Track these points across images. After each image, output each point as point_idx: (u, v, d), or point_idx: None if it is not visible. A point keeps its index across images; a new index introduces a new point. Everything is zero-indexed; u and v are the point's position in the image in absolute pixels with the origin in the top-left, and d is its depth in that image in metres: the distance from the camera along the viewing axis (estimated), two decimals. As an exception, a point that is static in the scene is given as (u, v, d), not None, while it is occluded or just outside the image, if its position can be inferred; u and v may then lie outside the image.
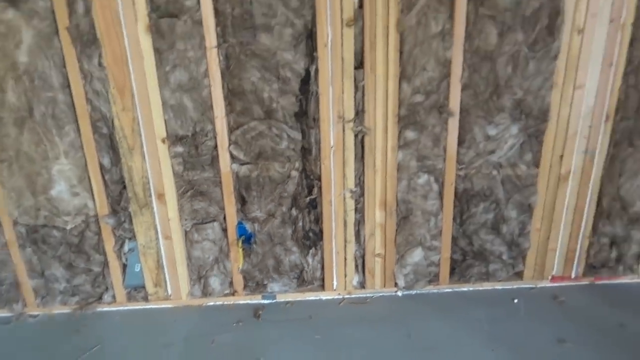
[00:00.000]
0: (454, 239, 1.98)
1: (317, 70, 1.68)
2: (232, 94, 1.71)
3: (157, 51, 1.62)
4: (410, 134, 1.79)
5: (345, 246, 1.92)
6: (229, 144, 1.76)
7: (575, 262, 2.04)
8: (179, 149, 1.76)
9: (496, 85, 1.74)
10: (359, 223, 1.92)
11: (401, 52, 1.68)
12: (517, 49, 1.69)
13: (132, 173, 1.77)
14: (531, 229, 1.97)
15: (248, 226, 1.90)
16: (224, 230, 1.89)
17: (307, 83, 1.71)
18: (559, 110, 1.78)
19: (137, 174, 1.77)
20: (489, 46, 1.68)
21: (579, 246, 2.01)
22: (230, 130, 1.76)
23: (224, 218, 1.87)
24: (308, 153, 1.80)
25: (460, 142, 1.82)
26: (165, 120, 1.71)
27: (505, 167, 1.87)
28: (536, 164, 1.87)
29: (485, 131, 1.81)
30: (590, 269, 2.06)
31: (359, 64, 1.69)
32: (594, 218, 1.98)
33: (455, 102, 1.74)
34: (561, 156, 1.85)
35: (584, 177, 1.89)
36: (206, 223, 1.88)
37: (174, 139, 1.74)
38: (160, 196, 1.81)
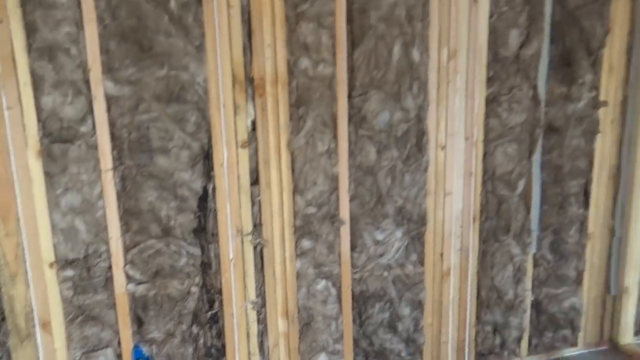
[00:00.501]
0: (355, 341, 2.02)
1: (214, 188, 1.73)
2: (128, 214, 1.68)
3: (48, 175, 1.57)
4: (306, 243, 1.87)
5: (249, 359, 1.87)
6: (125, 264, 1.70)
7: (466, 351, 2.16)
8: (69, 272, 1.65)
9: (379, 195, 1.91)
10: (262, 334, 1.89)
11: (293, 169, 1.79)
12: (394, 164, 1.89)
13: (13, 303, 1.61)
14: (424, 324, 2.07)
15: (145, 349, 1.78)
16: (119, 356, 1.75)
17: (205, 200, 1.74)
18: (434, 214, 1.98)
19: (20, 303, 1.61)
20: (370, 162, 1.87)
21: (467, 336, 2.14)
22: (126, 249, 1.70)
23: (119, 343, 1.74)
24: (208, 267, 1.79)
25: (353, 248, 1.93)
26: (54, 244, 1.62)
27: (395, 267, 2.00)
28: (421, 262, 2.02)
29: (374, 236, 1.94)
30: (480, 356, 2.19)
31: (255, 181, 1.77)
32: (477, 308, 2.14)
33: (345, 212, 1.87)
34: (441, 254, 2.03)
35: (463, 272, 2.08)
36: (98, 350, 1.73)
37: (63, 262, 1.64)
38: (46, 325, 1.65)
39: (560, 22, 1.95)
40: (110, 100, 1.58)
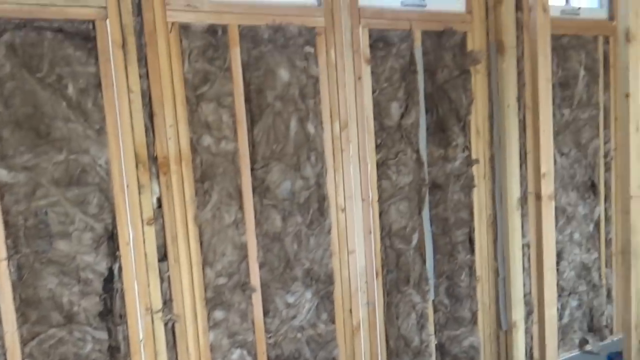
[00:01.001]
0: (275, 407, 2.00)
1: (120, 268, 1.68)
2: (25, 304, 1.57)
3: None
4: (218, 314, 1.85)
5: None
6: (23, 359, 1.57)
7: (382, 402, 2.22)
8: (-44, 376, 1.49)
9: (287, 260, 1.96)
10: (178, 414, 1.81)
11: (201, 242, 1.80)
12: (299, 229, 1.97)
13: None
14: (340, 381, 2.11)
15: None
16: None
17: (110, 281, 1.68)
18: (340, 273, 2.07)
19: None
20: (276, 229, 1.93)
21: (381, 387, 2.21)
22: (24, 342, 1.58)
23: None
24: (116, 351, 1.70)
25: (265, 313, 1.94)
26: (-62, 347, 1.46)
27: (307, 328, 2.04)
28: (332, 320, 2.08)
29: (285, 300, 1.98)
30: (394, 406, 2.26)
31: (163, 257, 1.76)
32: (387, 358, 2.23)
33: (255, 279, 1.90)
34: (350, 310, 2.11)
35: (371, 325, 2.16)
36: None
37: (-51, 366, 1.48)
38: None
39: (432, 94, 2.22)
40: (3, 188, 1.52)
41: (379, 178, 2.14)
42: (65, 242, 1.60)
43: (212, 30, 1.78)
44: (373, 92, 2.09)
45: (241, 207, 1.86)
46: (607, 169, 2.72)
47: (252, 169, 1.87)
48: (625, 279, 1.91)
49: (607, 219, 2.76)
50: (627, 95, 1.82)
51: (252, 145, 1.87)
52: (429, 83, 2.21)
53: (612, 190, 2.75)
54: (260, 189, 1.90)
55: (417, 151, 2.19)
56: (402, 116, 2.15)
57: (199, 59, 1.76)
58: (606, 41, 2.66)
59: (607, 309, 2.82)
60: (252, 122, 1.86)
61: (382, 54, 2.10)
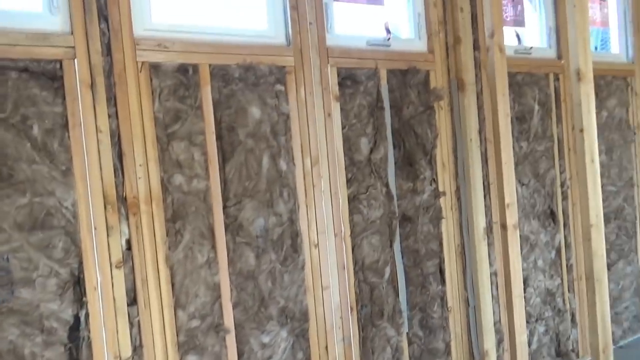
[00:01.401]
0: None
1: (87, 315, 1.58)
2: (-18, 359, 1.45)
3: None
4: (191, 359, 1.77)
5: None
6: (-23, 420, 1.44)
7: None
8: None
9: (262, 299, 1.91)
10: None
11: (173, 284, 1.73)
12: (273, 266, 1.93)
13: None
14: (317, 422, 2.03)
15: None
16: None
17: (77, 329, 1.58)
18: (315, 310, 2.03)
19: None
20: (250, 267, 1.88)
21: None
22: (-21, 401, 1.45)
23: None
24: (82, 405, 1.59)
25: (240, 355, 1.87)
26: None
27: (283, 368, 1.97)
28: (308, 358, 2.02)
29: (260, 340, 1.91)
30: None
31: (133, 301, 1.67)
32: (364, 395, 2.17)
33: (229, 320, 1.83)
34: (326, 347, 2.06)
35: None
36: None
37: None
38: None
39: (399, 130, 2.26)
40: (-39, 234, 1.42)
41: (351, 212, 2.14)
42: (28, 289, 1.50)
43: (182, 69, 1.76)
44: (343, 128, 2.11)
45: (214, 246, 1.81)
46: (564, 197, 2.83)
47: (225, 207, 1.83)
48: (591, 303, 1.96)
49: (567, 246, 2.85)
50: (581, 130, 1.92)
51: (225, 182, 1.84)
52: (395, 119, 2.26)
53: (570, 217, 2.85)
54: (233, 226, 1.86)
55: (387, 185, 2.21)
56: (372, 151, 2.18)
57: (170, 97, 1.74)
58: (556, 78, 2.81)
59: (572, 333, 2.87)
60: (224, 159, 1.84)
61: (351, 91, 2.14)
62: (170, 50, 1.73)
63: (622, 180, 3.16)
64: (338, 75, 2.10)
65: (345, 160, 2.12)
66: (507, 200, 2.27)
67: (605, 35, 3.32)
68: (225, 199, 1.83)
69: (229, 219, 1.85)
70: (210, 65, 1.81)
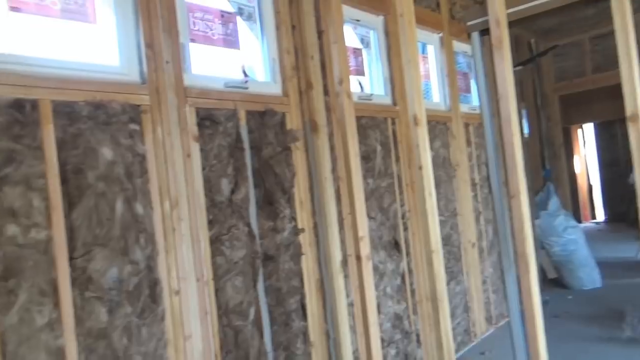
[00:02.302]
0: None
1: None
2: None
3: None
4: None
5: None
6: None
7: None
8: None
9: (116, 358, 1.72)
10: None
11: (4, 354, 1.46)
12: (129, 320, 1.76)
13: None
14: None
15: None
16: None
17: None
18: (177, 363, 1.90)
19: None
20: (101, 324, 1.69)
21: None
22: None
23: None
24: None
25: None
26: None
27: None
28: (169, 418, 1.86)
29: (114, 406, 1.70)
30: None
31: (-53, 382, 1.36)
32: None
33: (76, 388, 1.60)
34: (189, 402, 1.92)
35: (213, 414, 2.00)
36: None
37: None
38: None
39: (259, 170, 2.30)
40: None
41: (213, 255, 2.08)
42: None
43: (18, 105, 1.56)
44: (203, 169, 2.06)
45: (57, 305, 1.58)
46: (405, 228, 3.14)
47: (71, 258, 1.63)
48: (435, 321, 2.19)
49: (410, 272, 3.15)
50: (420, 168, 2.18)
51: (71, 231, 1.64)
52: (256, 159, 2.29)
53: (411, 246, 3.17)
54: (81, 280, 1.65)
55: (249, 225, 2.21)
56: (233, 191, 2.16)
57: (2, 137, 1.51)
58: (393, 122, 3.15)
59: (417, 353, 3.14)
60: (70, 205, 1.64)
61: (210, 132, 2.11)
62: (3, 84, 1.52)
63: (449, 210, 3.64)
64: (197, 116, 2.06)
65: (206, 202, 2.07)
66: (360, 234, 2.44)
67: (428, 87, 3.86)
68: (71, 249, 1.63)
69: (76, 271, 1.64)
70: (53, 101, 1.63)
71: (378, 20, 3.18)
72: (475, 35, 2.07)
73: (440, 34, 3.75)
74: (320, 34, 2.62)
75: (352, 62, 3.01)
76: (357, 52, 3.08)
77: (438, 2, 3.77)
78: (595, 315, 3.98)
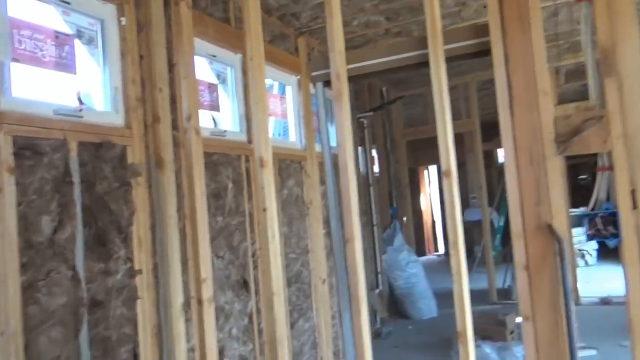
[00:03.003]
0: None
1: None
2: None
3: None
4: None
5: None
6: None
7: None
8: None
9: None
10: None
11: None
12: None
13: None
14: None
15: None
16: None
17: None
18: None
19: None
20: None
21: None
22: None
23: None
24: None
25: None
26: None
27: None
28: None
29: None
30: None
31: None
32: None
33: None
34: None
35: None
36: None
37: None
38: None
39: (91, 207, 2.10)
40: None
41: (25, 303, 1.82)
42: None
43: None
44: (18, 205, 1.82)
45: None
46: (255, 267, 3.13)
47: None
48: (274, 366, 2.18)
49: (258, 311, 3.12)
50: (264, 209, 2.19)
51: None
52: (87, 195, 2.09)
53: (260, 285, 3.15)
54: None
55: (74, 267, 2.00)
56: (56, 231, 1.94)
57: None
58: (247, 159, 3.16)
59: (263, 394, 3.09)
60: None
61: (31, 163, 1.89)
62: None
63: (300, 247, 3.72)
64: (14, 145, 1.83)
65: (19, 242, 1.82)
66: (202, 275, 2.36)
67: (286, 125, 3.97)
68: None
69: None
70: None
71: (236, 57, 3.21)
72: (319, 85, 2.19)
73: (298, 77, 3.92)
74: (171, 66, 2.55)
75: (206, 97, 2.98)
76: (212, 87, 3.05)
77: (297, 47, 3.94)
78: (430, 344, 4.35)
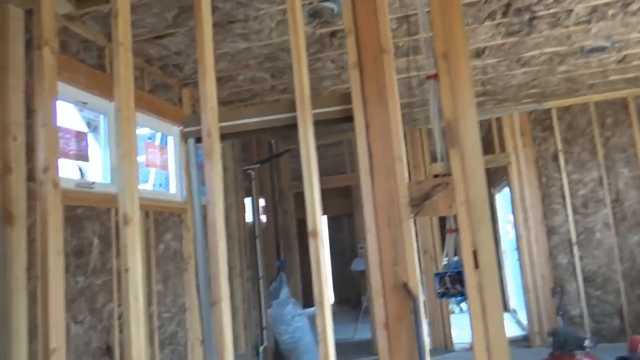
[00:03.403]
0: None
1: None
2: None
3: None
4: None
5: None
6: None
7: None
8: None
9: None
10: None
11: None
12: None
13: None
14: None
15: None
16: None
17: None
18: None
19: None
20: None
21: None
22: None
23: None
24: None
25: None
26: None
27: None
28: None
29: None
30: None
31: None
32: None
33: None
34: None
35: None
36: None
37: None
38: None
39: None
40: None
41: None
42: None
43: None
44: None
45: None
46: (122, 330, 2.88)
47: None
48: None
49: (123, 380, 2.86)
50: (126, 270, 2.05)
51: None
52: None
53: (125, 350, 2.89)
54: None
55: None
56: None
57: None
58: (117, 212, 2.97)
59: None
60: None
61: None
62: None
63: (176, 306, 3.52)
64: None
65: None
66: (52, 345, 2.11)
67: (167, 178, 3.84)
68: None
69: None
70: None
71: (110, 106, 3.07)
72: (191, 142, 2.16)
73: (181, 127, 3.84)
74: (30, 112, 2.36)
75: (73, 146, 2.78)
76: (81, 135, 2.87)
77: (180, 97, 3.89)
78: (313, 402, 4.28)
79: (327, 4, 2.82)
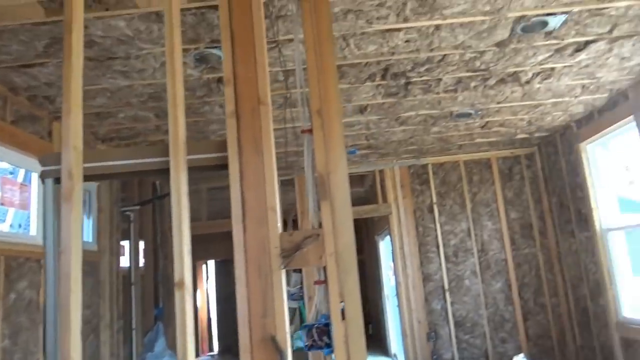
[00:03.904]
0: None
1: None
2: None
3: None
4: None
5: None
6: None
7: None
8: None
9: None
10: None
11: None
12: None
13: None
14: None
15: None
16: None
17: None
18: None
19: None
20: None
21: None
22: None
23: None
24: None
25: None
26: None
27: None
28: None
29: None
30: None
31: None
32: None
33: None
34: None
35: None
36: None
37: None
38: None
39: None
40: None
41: None
42: None
43: None
44: None
45: None
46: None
47: None
48: None
49: None
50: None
51: None
52: None
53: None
54: None
55: None
56: None
57: None
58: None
59: None
60: None
61: None
62: None
63: (26, 365, 3.10)
64: None
65: None
66: None
67: (27, 218, 3.45)
68: None
69: None
70: None
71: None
72: (49, 182, 1.98)
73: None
74: None
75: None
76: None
77: (50, 131, 3.59)
78: None
79: (215, 51, 2.83)
